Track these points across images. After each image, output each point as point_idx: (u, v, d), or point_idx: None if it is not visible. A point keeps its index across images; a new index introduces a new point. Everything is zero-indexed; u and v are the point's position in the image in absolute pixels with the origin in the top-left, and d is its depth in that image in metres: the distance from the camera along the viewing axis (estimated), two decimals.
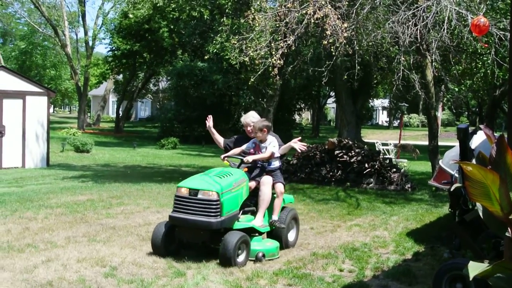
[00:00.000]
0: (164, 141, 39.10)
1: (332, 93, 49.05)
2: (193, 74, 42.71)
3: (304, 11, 15.69)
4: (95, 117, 61.31)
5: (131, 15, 36.53)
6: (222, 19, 18.58)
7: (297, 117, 54.09)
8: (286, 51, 16.73)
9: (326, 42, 15.45)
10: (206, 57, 21.36)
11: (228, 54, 17.66)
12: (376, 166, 18.33)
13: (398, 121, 70.25)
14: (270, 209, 9.60)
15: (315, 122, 61.20)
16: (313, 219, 12.94)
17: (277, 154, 9.64)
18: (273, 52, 16.28)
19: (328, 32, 15.15)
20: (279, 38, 16.57)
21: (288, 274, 8.38)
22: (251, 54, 16.33)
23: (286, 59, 18.79)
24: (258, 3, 17.14)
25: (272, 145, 9.58)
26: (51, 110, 56.87)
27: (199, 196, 8.81)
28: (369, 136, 52.21)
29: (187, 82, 43.04)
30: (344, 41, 15.42)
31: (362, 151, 18.75)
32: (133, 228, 11.12)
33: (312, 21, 15.53)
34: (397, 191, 17.54)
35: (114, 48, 48.22)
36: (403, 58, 15.99)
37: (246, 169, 9.59)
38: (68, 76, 68.85)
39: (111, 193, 15.53)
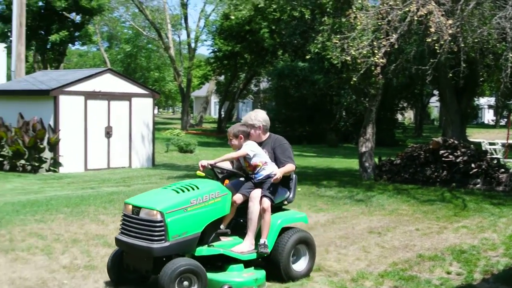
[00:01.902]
0: None
1: (436, 92, 47.96)
2: (294, 74, 42.74)
3: (407, 9, 15.45)
4: (197, 118, 62.28)
5: (232, 17, 36.95)
6: (323, 19, 18.51)
7: (399, 116, 53.26)
8: (388, 49, 16.53)
9: (430, 40, 15.17)
10: (307, 57, 21.35)
11: (330, 53, 17.57)
12: (483, 166, 17.81)
13: (505, 119, 68.09)
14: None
15: (418, 121, 60.09)
16: (418, 220, 12.70)
17: (255, 157, 7.93)
18: (376, 51, 16.11)
19: (432, 30, 14.86)
20: (382, 37, 16.37)
21: (394, 276, 8.26)
22: (353, 53, 16.19)
23: (388, 57, 18.53)
24: (359, 1, 16.98)
25: (248, 147, 7.97)
26: (155, 111, 58.13)
27: (141, 215, 7.23)
28: (474, 135, 50.81)
29: (288, 82, 43.12)
30: (449, 38, 15.10)
31: (468, 151, 18.26)
32: None
33: (416, 18, 15.29)
34: (506, 192, 16.98)
35: (215, 49, 48.86)
36: (511, 55, 15.49)
37: (227, 181, 8.01)
38: (171, 78, 70.22)
39: None
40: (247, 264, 7.65)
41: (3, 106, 23.31)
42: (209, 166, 7.83)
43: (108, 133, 23.37)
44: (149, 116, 25.16)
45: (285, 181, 8.03)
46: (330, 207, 14.00)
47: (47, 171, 21.55)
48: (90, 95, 22.75)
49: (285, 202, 8.21)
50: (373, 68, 16.61)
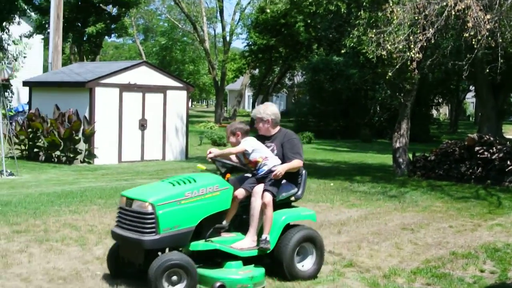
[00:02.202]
0: (299, 135, 39.22)
1: (472, 88, 47.49)
2: (329, 68, 42.61)
3: (444, 3, 15.28)
4: (231, 111, 62.37)
5: (268, 10, 36.90)
6: (359, 13, 18.38)
7: (434, 112, 52.80)
8: (425, 44, 16.38)
9: (467, 35, 14.99)
10: (342, 51, 21.25)
11: (365, 48, 17.45)
12: None
13: None
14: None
15: (453, 117, 59.48)
16: (452, 217, 12.58)
17: (255, 153, 7.73)
18: (412, 46, 15.96)
19: (470, 24, 14.68)
20: (418, 31, 16.21)
21: (426, 273, 8.19)
22: (389, 47, 16.06)
23: (424, 52, 18.36)
24: None
25: (246, 143, 7.77)
26: (189, 104, 58.41)
27: (133, 207, 7.18)
28: (510, 132, 50.23)
29: (322, 76, 42.99)
30: (487, 33, 14.90)
31: (504, 148, 18.03)
32: None
33: (453, 13, 15.11)
34: None
35: (250, 43, 48.91)
36: None
37: (228, 175, 7.68)
38: (206, 71, 70.45)
39: None
40: (248, 261, 7.47)
41: (40, 97, 23.59)
42: (209, 160, 7.72)
43: (143, 125, 23.50)
44: (183, 109, 25.26)
45: (292, 176, 7.84)
46: (363, 203, 13.94)
47: (81, 162, 21.77)
48: (125, 87, 22.90)
49: (292, 198, 7.93)
50: (408, 63, 16.48)
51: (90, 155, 21.90)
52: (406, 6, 15.99)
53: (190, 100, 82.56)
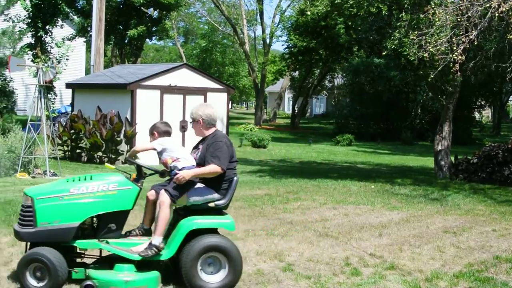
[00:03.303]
0: (339, 137, 39.10)
1: None
2: (370, 70, 42.43)
3: (488, 5, 15.09)
4: (271, 113, 62.39)
5: (308, 12, 36.80)
6: (401, 15, 18.24)
7: (477, 114, 52.16)
8: (467, 46, 16.18)
9: (511, 36, 14.79)
10: (383, 53, 21.12)
11: (407, 50, 17.31)
12: None
13: None
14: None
15: (496, 120, 58.68)
16: (495, 221, 12.39)
17: (165, 153, 7.46)
18: (454, 48, 15.79)
19: None
20: (461, 33, 16.03)
21: (469, 277, 8.09)
22: (431, 49, 15.92)
23: (467, 54, 18.15)
24: None
25: (157, 143, 7.53)
26: (229, 106, 58.57)
27: (22, 201, 7.34)
28: None
29: (363, 78, 42.85)
30: None
31: None
32: (309, 224, 11.20)
33: (496, 14, 14.92)
34: None
35: (290, 45, 48.91)
36: None
37: (134, 176, 7.42)
38: (245, 73, 70.58)
39: (288, 188, 15.74)
40: (145, 265, 7.15)
41: (82, 99, 23.87)
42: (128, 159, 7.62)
43: (183, 127, 23.64)
44: (223, 111, 25.34)
45: (212, 181, 7.36)
46: (404, 205, 13.82)
47: (123, 163, 21.96)
48: (166, 90, 23.07)
49: (211, 205, 7.39)
50: (451, 65, 16.31)
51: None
52: (448, 8, 15.87)
53: (230, 102, 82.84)
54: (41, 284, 6.94)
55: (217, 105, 24.37)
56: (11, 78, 29.87)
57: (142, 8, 40.24)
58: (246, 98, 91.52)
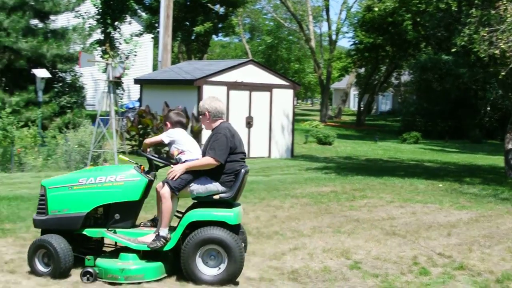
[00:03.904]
0: (405, 135, 38.63)
1: None
2: (437, 67, 41.75)
3: None
4: (336, 110, 62.05)
5: (376, 9, 36.48)
6: (471, 11, 17.89)
7: None
8: None
9: None
10: (452, 50, 20.74)
11: (477, 46, 16.97)
12: None
13: None
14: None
15: None
16: None
17: (173, 145, 7.56)
18: None
19: None
20: None
21: None
22: (502, 46, 15.60)
23: None
24: None
25: (166, 135, 7.63)
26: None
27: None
28: None
29: (430, 75, 42.21)
30: None
31: None
32: (376, 222, 11.09)
33: None
34: None
35: (357, 41, 48.57)
36: None
37: (143, 167, 7.59)
38: (311, 70, 70.34)
39: (354, 186, 15.63)
40: (151, 255, 7.28)
41: (150, 94, 24.20)
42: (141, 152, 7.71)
43: (249, 123, 23.72)
44: (289, 107, 25.33)
45: (214, 174, 7.32)
46: (473, 205, 13.56)
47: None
48: (232, 86, 23.18)
49: (216, 197, 7.32)
50: None
51: None
52: None
53: (295, 98, 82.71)
54: (48, 269, 7.27)
55: (282, 101, 24.44)
56: (81, 73, 30.43)
57: (208, 4, 40.52)
58: (311, 94, 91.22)
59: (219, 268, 7.18)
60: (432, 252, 9.03)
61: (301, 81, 68.78)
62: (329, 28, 54.37)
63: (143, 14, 41.40)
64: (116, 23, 36.55)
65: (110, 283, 7.10)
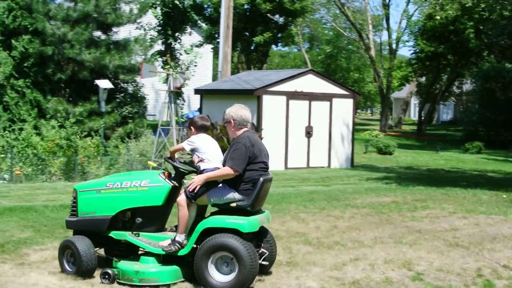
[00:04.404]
0: (468, 145, 37.96)
1: None
2: (501, 76, 40.99)
3: None
4: (396, 119, 61.45)
5: (437, 17, 36.10)
6: None
7: None
8: None
9: None
10: None
11: None
12: None
13: None
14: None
15: None
16: None
17: (195, 153, 7.69)
18: None
19: None
20: None
21: None
22: None
23: None
24: None
25: (187, 142, 7.76)
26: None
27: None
28: None
29: (493, 84, 41.45)
30: None
31: None
32: (439, 233, 10.90)
33: None
34: None
35: (417, 50, 48.07)
36: None
37: (167, 174, 7.77)
38: (371, 79, 69.94)
39: (415, 196, 15.43)
40: (170, 260, 7.47)
41: (210, 104, 24.38)
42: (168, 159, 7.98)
43: (309, 132, 23.67)
44: (349, 117, 25.21)
45: (232, 182, 7.39)
46: None
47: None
48: (292, 95, 23.18)
49: (233, 205, 7.40)
50: None
51: None
52: None
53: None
54: (74, 269, 7.63)
55: (342, 110, 24.33)
56: (143, 84, 30.88)
57: (268, 14, 40.66)
58: (371, 104, 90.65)
59: (231, 275, 7.20)
60: (496, 264, 8.83)
61: (360, 90, 68.40)
62: (389, 37, 53.97)
63: (203, 25, 41.82)
64: (176, 34, 37.04)
65: (129, 285, 7.33)
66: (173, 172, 7.89)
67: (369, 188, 17.37)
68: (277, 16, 43.01)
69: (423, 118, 53.81)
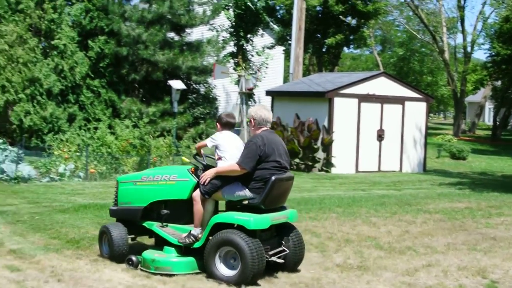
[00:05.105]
0: None
1: None
2: None
3: None
4: (470, 124, 60.30)
5: None
6: None
7: None
8: None
9: None
10: None
11: None
12: None
13: None
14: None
15: None
16: None
17: (216, 150, 7.99)
18: None
19: None
20: None
21: None
22: None
23: None
24: None
25: (210, 139, 8.09)
26: None
27: None
28: None
29: None
30: None
31: None
32: None
33: None
34: None
35: (493, 53, 47.01)
36: None
37: (193, 169, 8.12)
38: (444, 82, 68.82)
39: (490, 203, 15.06)
40: (188, 251, 7.80)
41: (281, 106, 24.37)
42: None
43: (380, 136, 23.43)
44: (422, 121, 24.84)
45: (244, 180, 7.64)
46: None
47: (319, 170, 22.15)
48: (364, 98, 22.99)
49: (245, 202, 7.67)
50: None
51: (328, 164, 22.22)
52: None
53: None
54: (109, 253, 8.30)
55: (415, 114, 24.01)
56: (215, 85, 31.15)
57: (340, 16, 40.47)
58: (444, 108, 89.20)
59: (235, 270, 7.42)
60: None
61: (433, 94, 67.39)
62: (464, 39, 53.06)
63: (275, 26, 41.89)
64: (248, 36, 37.19)
65: (148, 272, 7.77)
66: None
67: (441, 193, 17.08)
68: (349, 18, 42.78)
69: (498, 123, 52.65)
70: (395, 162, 24.08)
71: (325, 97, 22.39)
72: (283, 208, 8.02)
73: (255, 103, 38.52)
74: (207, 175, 7.72)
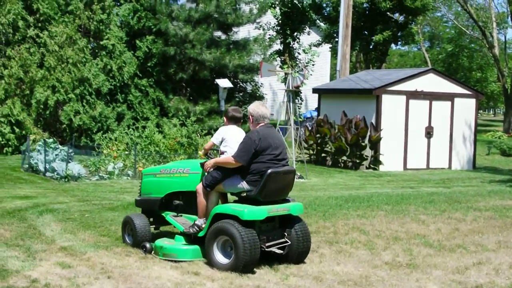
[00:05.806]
0: None
1: None
2: None
3: None
4: None
5: None
6: None
7: None
8: None
9: None
10: None
11: None
12: None
13: None
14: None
15: None
16: None
17: (221, 145, 8.47)
18: None
19: None
20: None
21: None
22: None
23: None
24: None
25: (215, 136, 8.60)
26: None
27: None
28: None
29: None
30: None
31: None
32: None
33: None
34: None
35: None
36: None
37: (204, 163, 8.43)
38: (494, 78, 67.76)
39: None
40: (197, 240, 8.24)
41: (328, 103, 24.28)
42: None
43: (429, 133, 23.18)
44: (471, 117, 24.49)
45: (242, 173, 8.00)
46: None
47: (367, 168, 22.02)
48: (412, 95, 22.75)
49: (244, 194, 8.10)
50: None
51: (376, 161, 22.06)
52: None
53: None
54: (132, 241, 8.85)
55: (464, 111, 23.69)
56: (261, 83, 31.18)
57: (388, 13, 40.15)
58: (493, 104, 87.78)
59: (229, 259, 7.79)
60: None
61: (483, 90, 66.39)
62: None
63: (322, 24, 41.77)
64: (295, 34, 37.12)
65: (163, 259, 8.24)
66: None
67: (492, 190, 16.81)
68: (397, 14, 42.44)
69: None
70: (444, 159, 23.78)
71: (373, 94, 22.22)
72: (285, 201, 8.28)
73: (302, 101, 38.51)
74: (208, 164, 8.20)
